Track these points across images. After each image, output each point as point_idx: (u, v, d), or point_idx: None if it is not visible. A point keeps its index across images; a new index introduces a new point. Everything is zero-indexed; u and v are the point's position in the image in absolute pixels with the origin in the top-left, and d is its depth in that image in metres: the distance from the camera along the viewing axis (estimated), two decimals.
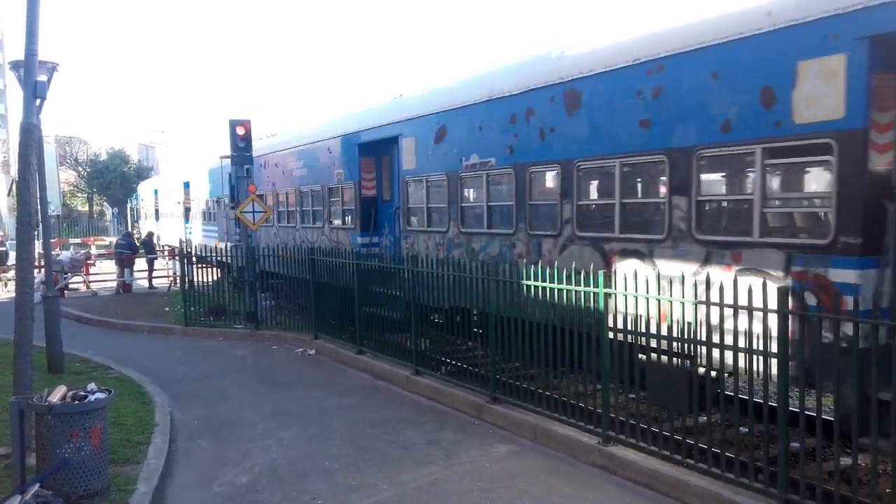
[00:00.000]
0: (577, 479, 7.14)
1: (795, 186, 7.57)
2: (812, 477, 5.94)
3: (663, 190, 8.42)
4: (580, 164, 9.50)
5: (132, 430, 8.59)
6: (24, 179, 7.55)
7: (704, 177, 8.02)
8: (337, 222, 16.89)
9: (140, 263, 26.11)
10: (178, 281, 21.26)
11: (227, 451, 8.28)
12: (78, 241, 42.74)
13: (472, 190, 12.06)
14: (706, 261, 7.76)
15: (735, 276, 6.87)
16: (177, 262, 20.85)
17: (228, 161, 17.59)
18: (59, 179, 76.73)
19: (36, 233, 9.46)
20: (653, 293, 7.13)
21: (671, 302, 6.88)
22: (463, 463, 7.68)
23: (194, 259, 17.07)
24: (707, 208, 8.11)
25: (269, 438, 8.70)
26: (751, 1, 7.40)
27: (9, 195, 48.38)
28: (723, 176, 8.27)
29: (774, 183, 7.54)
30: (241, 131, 16.64)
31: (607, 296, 7.54)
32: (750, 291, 6.05)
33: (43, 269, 13.07)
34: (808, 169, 7.34)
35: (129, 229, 44.88)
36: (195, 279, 16.86)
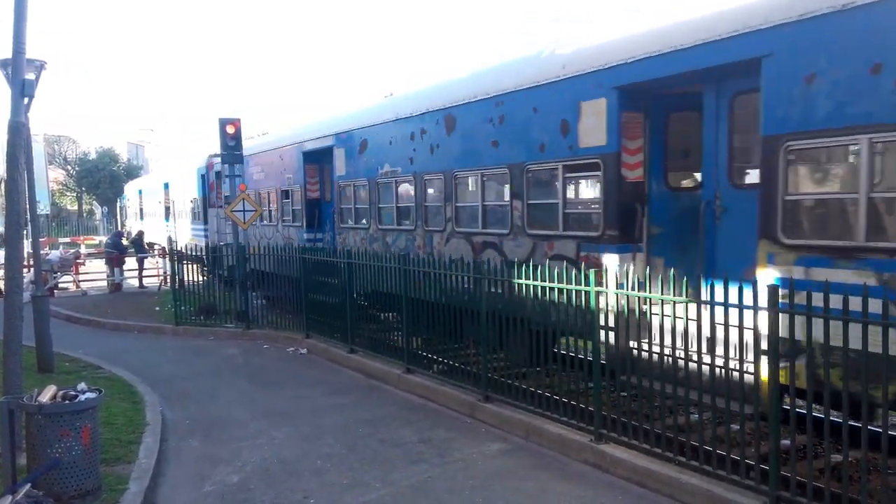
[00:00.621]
0: (570, 476, 7.15)
1: (581, 194, 10.17)
2: (803, 474, 5.97)
3: (507, 196, 10.82)
4: (456, 174, 11.93)
5: (123, 429, 8.56)
6: (13, 178, 7.51)
7: (532, 186, 10.40)
8: (288, 220, 19.38)
9: (130, 263, 26.03)
10: (168, 280, 21.23)
11: (219, 451, 8.26)
12: (67, 240, 42.53)
13: (385, 194, 14.28)
14: (533, 249, 10.28)
15: (548, 261, 9.52)
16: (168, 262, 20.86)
17: (206, 161, 18.13)
18: (48, 178, 76.31)
19: (25, 232, 9.41)
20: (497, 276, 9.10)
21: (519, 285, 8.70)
22: (455, 461, 7.68)
23: (185, 259, 17.04)
24: (534, 210, 10.37)
25: (260, 438, 8.69)
26: (555, 56, 10.05)
27: None
28: (542, 185, 10.38)
29: (570, 191, 10.04)
30: (230, 130, 16.58)
31: (479, 280, 9.27)
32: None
33: (32, 269, 12.99)
34: (588, 181, 9.83)
35: (119, 229, 44.76)
36: (185, 278, 16.82)
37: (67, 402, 5.86)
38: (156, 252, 29.27)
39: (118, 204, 61.38)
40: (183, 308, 16.75)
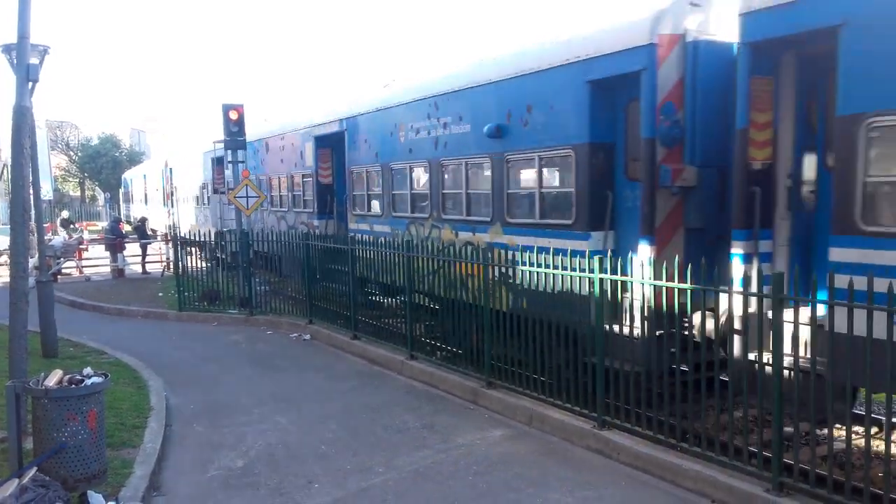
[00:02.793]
0: (573, 462, 7.19)
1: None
2: (806, 461, 6.00)
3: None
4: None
5: (128, 414, 8.60)
6: (18, 164, 7.51)
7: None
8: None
9: (133, 248, 26.06)
10: (170, 266, 21.27)
11: (223, 436, 8.30)
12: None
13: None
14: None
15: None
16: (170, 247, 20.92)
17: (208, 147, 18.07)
18: (51, 164, 76.26)
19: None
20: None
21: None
22: (458, 447, 7.72)
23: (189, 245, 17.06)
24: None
25: (264, 423, 8.73)
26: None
27: (0, 179, 48.08)
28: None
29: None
30: (233, 116, 16.55)
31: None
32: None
33: (36, 254, 13.01)
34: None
35: (117, 215, 45.00)
36: (188, 264, 16.86)
37: (73, 386, 5.87)
38: (158, 237, 29.33)
39: (121, 190, 61.39)
40: (186, 294, 16.78)
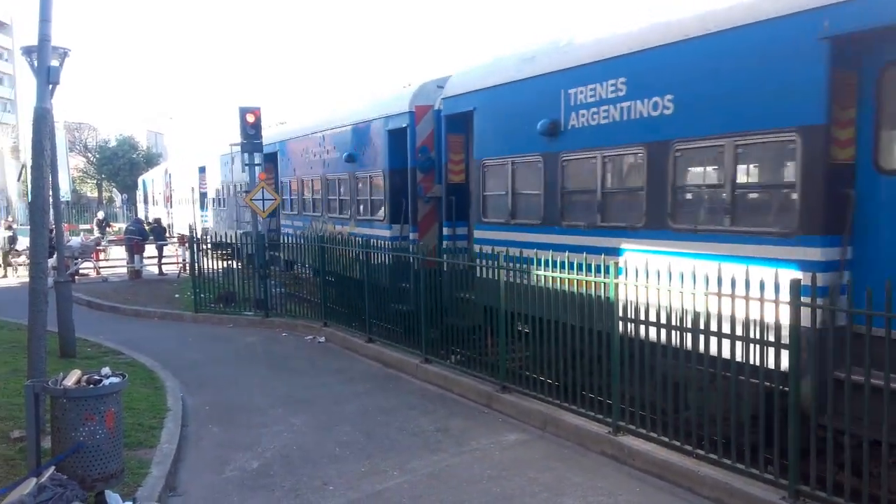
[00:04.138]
0: (587, 468, 7.16)
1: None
2: (823, 468, 5.95)
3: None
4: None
5: (145, 414, 8.65)
6: (38, 165, 7.57)
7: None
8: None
9: (150, 250, 26.23)
10: (187, 268, 21.40)
11: (239, 437, 8.34)
12: (88, 227, 42.93)
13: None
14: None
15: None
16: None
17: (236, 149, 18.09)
18: (69, 165, 76.94)
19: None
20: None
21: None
22: (472, 451, 7.72)
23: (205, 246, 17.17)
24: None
25: (279, 424, 8.76)
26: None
27: (19, 181, 48.51)
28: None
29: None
30: (251, 119, 16.62)
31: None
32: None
33: (55, 255, 13.13)
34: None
35: (137, 216, 45.31)
36: (205, 266, 16.97)
37: (92, 386, 5.91)
38: (175, 239, 29.48)
39: (138, 191, 61.86)
40: (202, 296, 16.87)
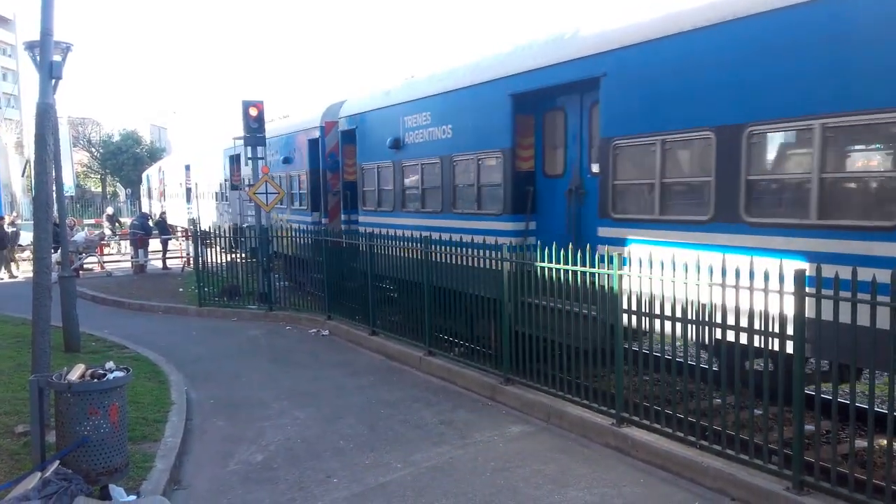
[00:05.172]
0: (591, 459, 7.17)
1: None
2: (826, 459, 5.94)
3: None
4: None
5: (149, 408, 8.68)
6: (41, 160, 7.58)
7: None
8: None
9: (154, 244, 26.26)
10: (191, 262, 21.43)
11: (243, 430, 8.36)
12: (92, 221, 43.02)
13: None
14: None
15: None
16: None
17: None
18: (73, 160, 77.05)
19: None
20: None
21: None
22: (476, 443, 7.73)
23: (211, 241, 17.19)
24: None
25: (283, 418, 8.78)
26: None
27: (23, 176, 48.59)
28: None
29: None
30: (253, 112, 16.62)
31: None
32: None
33: (59, 250, 13.15)
34: None
35: (142, 210, 45.25)
36: (208, 260, 16.98)
37: (96, 380, 5.92)
38: (179, 233, 29.49)
39: (141, 186, 61.87)
40: (206, 289, 16.90)
